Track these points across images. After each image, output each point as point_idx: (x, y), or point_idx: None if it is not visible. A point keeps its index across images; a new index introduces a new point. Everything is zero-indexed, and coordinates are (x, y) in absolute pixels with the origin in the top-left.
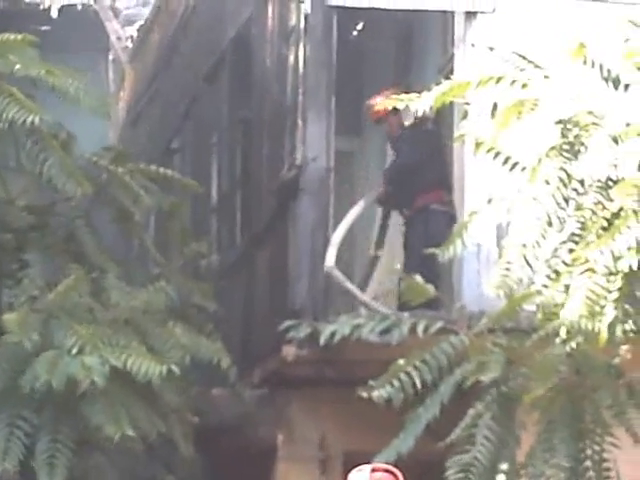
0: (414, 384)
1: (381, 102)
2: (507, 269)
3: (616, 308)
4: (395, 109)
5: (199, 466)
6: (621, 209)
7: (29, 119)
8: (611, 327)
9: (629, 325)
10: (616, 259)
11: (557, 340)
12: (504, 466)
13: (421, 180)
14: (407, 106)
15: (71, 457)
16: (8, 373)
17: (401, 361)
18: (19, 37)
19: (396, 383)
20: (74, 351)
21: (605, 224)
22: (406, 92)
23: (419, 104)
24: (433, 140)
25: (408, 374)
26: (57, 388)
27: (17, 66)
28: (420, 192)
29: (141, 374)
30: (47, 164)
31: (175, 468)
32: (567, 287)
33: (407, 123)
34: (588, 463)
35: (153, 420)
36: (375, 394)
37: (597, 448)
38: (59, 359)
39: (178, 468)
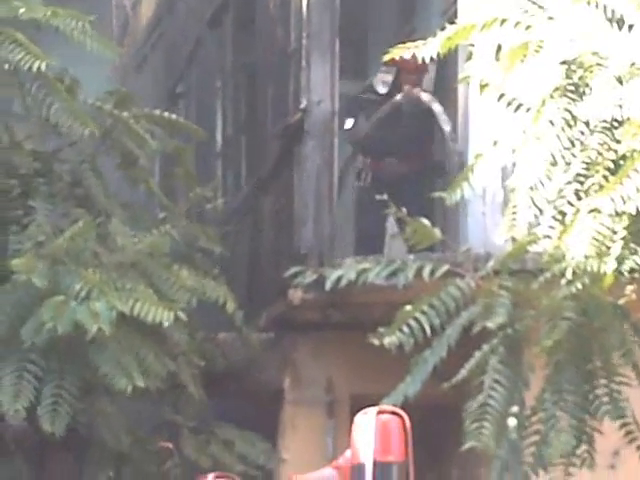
0: (423, 329)
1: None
2: (514, 212)
3: (623, 248)
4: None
5: (206, 409)
6: (629, 151)
7: (35, 65)
8: (618, 266)
9: (637, 262)
10: (624, 202)
11: (563, 282)
12: (515, 409)
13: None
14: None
15: (75, 404)
16: (14, 318)
17: (408, 307)
18: None
19: (406, 329)
20: (81, 297)
21: (611, 165)
22: (411, 37)
23: (425, 50)
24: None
25: (417, 319)
26: (63, 333)
27: (21, 9)
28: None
29: (149, 319)
30: (53, 108)
31: (183, 411)
32: (573, 228)
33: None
34: (599, 402)
35: (163, 361)
36: (386, 340)
37: (607, 389)
38: (65, 305)
39: (186, 411)
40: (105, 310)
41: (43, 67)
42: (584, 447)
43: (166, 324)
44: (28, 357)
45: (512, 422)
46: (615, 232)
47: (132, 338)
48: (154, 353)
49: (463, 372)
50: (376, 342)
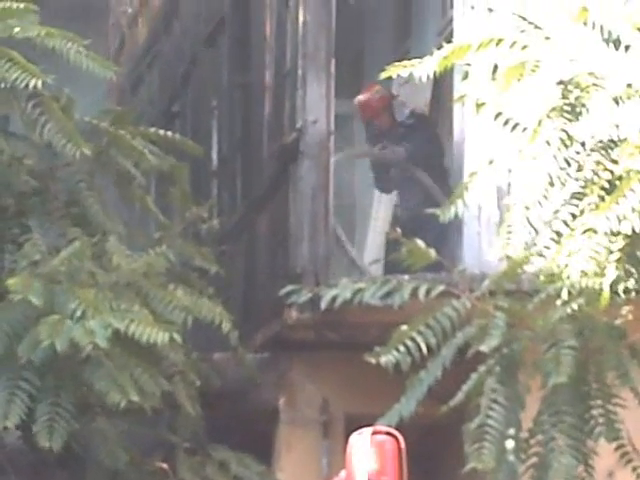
0: (420, 348)
1: (369, 98)
2: (510, 231)
3: (618, 268)
4: (386, 106)
5: (202, 429)
6: (625, 171)
7: (31, 83)
8: (613, 287)
9: (631, 284)
10: (619, 221)
11: (558, 302)
12: (511, 431)
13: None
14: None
15: (72, 422)
16: (10, 336)
17: (404, 327)
18: (20, 5)
19: (402, 348)
20: (77, 315)
21: (607, 185)
22: (406, 57)
23: (421, 69)
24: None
25: (413, 339)
26: (60, 351)
27: (16, 29)
28: None
29: (144, 339)
30: (47, 127)
31: (179, 430)
32: (569, 248)
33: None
34: (594, 423)
35: (158, 381)
36: (383, 359)
37: (603, 410)
38: (62, 324)
39: (181, 431)
40: (100, 328)
41: (39, 85)
42: (582, 467)
43: (160, 344)
44: (22, 375)
45: (510, 444)
46: (611, 252)
47: (127, 358)
48: (149, 373)
49: (461, 395)
50: (372, 361)
